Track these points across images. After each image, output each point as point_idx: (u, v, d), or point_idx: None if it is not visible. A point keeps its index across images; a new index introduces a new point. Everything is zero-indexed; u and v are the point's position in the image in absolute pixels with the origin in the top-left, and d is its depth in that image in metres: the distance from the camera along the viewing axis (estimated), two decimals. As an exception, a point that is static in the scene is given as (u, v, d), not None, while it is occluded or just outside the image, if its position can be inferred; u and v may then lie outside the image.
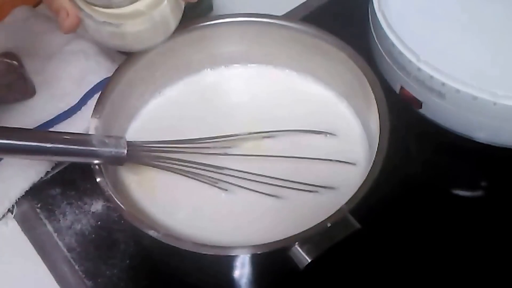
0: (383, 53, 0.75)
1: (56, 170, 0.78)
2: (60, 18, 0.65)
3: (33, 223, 0.75)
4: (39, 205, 0.76)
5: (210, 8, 0.92)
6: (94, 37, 0.70)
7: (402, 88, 0.74)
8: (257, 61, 0.79)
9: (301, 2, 0.92)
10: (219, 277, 0.67)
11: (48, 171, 0.78)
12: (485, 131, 0.71)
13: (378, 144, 0.64)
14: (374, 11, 0.75)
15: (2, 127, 0.61)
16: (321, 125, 0.73)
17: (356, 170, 0.69)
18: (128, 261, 0.72)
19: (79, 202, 0.77)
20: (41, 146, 0.62)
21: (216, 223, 0.68)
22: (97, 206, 0.76)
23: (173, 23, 0.71)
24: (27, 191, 0.76)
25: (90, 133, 0.66)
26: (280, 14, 0.80)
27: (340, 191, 0.68)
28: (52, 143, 0.62)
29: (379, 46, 0.76)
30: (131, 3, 0.68)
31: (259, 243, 0.59)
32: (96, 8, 0.67)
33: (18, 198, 0.76)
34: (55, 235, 0.74)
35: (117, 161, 0.66)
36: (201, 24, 0.75)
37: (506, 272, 0.70)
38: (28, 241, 0.74)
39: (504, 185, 0.77)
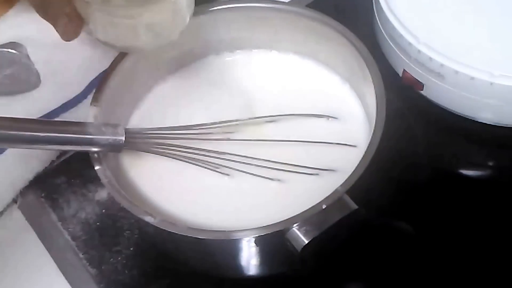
0: (386, 37, 0.76)
1: (61, 159, 0.79)
2: (60, 25, 0.64)
3: (38, 212, 0.76)
4: (43, 195, 0.77)
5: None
6: (101, 37, 0.68)
7: (404, 71, 0.75)
8: (261, 46, 0.79)
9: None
10: (221, 261, 0.67)
11: (53, 160, 0.78)
12: (485, 111, 0.72)
13: (375, 125, 0.64)
14: (377, -5, 0.75)
15: (0, 117, 0.61)
16: (323, 108, 0.73)
17: (357, 153, 0.68)
18: (132, 249, 0.72)
19: (83, 191, 0.77)
20: (37, 135, 0.62)
21: (218, 208, 0.68)
22: (102, 194, 0.76)
23: (187, 16, 0.70)
24: (31, 180, 0.77)
25: (88, 121, 0.66)
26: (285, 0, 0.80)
27: (341, 174, 0.67)
28: (48, 133, 0.62)
29: (382, 30, 0.77)
30: None
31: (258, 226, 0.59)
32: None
33: (23, 188, 0.77)
34: (59, 224, 0.75)
35: (115, 148, 0.66)
36: (205, 10, 0.76)
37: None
38: (32, 230, 0.75)
39: (508, 165, 0.76)
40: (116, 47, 0.70)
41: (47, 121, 0.75)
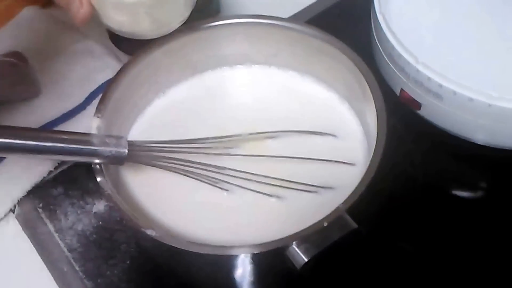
0: (384, 56, 0.76)
1: (59, 170, 0.78)
2: (73, 9, 0.65)
3: (35, 223, 0.76)
4: (41, 205, 0.77)
5: (217, 10, 0.93)
6: (106, 22, 0.69)
7: (402, 90, 0.75)
8: (261, 62, 0.80)
9: (307, 5, 0.92)
10: (219, 277, 0.67)
11: (51, 171, 0.78)
12: (482, 132, 0.72)
13: (376, 144, 0.64)
14: (376, 14, 0.76)
15: (2, 126, 0.61)
16: (323, 126, 0.74)
17: (355, 171, 0.69)
18: (129, 262, 0.72)
19: (81, 202, 0.77)
20: (41, 145, 0.62)
21: (217, 223, 0.68)
22: (99, 206, 0.76)
23: (189, 6, 0.72)
24: (29, 190, 0.77)
25: (91, 132, 0.67)
26: (285, 16, 0.81)
27: (339, 192, 0.68)
28: (52, 142, 0.62)
29: (380, 49, 0.77)
30: None
31: (258, 242, 0.59)
32: None
33: (20, 198, 0.77)
34: (56, 235, 0.75)
35: (117, 160, 0.66)
36: (206, 25, 0.76)
37: (504, 274, 0.70)
38: (29, 240, 0.75)
39: (502, 187, 0.77)
40: (120, 33, 0.71)
41: (52, 130, 0.76)
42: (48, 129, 0.77)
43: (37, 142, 0.62)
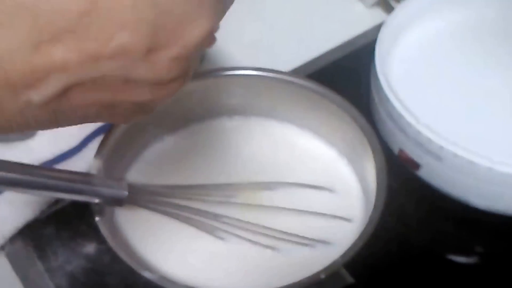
0: (384, 115, 0.76)
1: (52, 210, 0.78)
2: None
3: (25, 262, 0.75)
4: (32, 244, 0.76)
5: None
6: None
7: (400, 150, 0.75)
8: (260, 114, 0.80)
9: (308, 60, 0.93)
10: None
11: (43, 210, 0.78)
12: (482, 196, 0.72)
13: (375, 201, 0.64)
14: (376, 73, 0.76)
15: (7, 160, 0.61)
16: (320, 180, 0.74)
17: (352, 227, 0.69)
18: (118, 306, 0.72)
19: (72, 244, 0.76)
20: (44, 181, 0.61)
21: (211, 270, 0.68)
22: (90, 248, 0.76)
23: None
24: (21, 228, 0.76)
25: (91, 172, 0.67)
26: (286, 70, 0.81)
27: (335, 247, 0.68)
28: (53, 179, 0.62)
29: (380, 108, 0.77)
30: None
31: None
32: None
33: (12, 235, 0.76)
34: (46, 274, 0.74)
35: (117, 202, 0.66)
36: (208, 75, 0.77)
37: None
38: (18, 279, 0.74)
39: (500, 253, 0.77)
40: None
41: (52, 168, 0.76)
42: (48, 167, 0.77)
43: (38, 178, 0.61)
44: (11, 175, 0.60)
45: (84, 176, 0.65)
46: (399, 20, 0.81)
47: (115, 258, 0.63)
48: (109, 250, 0.63)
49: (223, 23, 0.50)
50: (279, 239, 0.69)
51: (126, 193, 0.66)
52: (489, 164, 0.67)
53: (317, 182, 0.74)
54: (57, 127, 0.50)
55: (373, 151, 0.69)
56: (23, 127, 0.47)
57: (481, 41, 0.82)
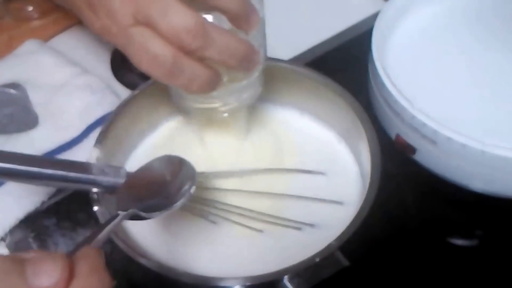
0: (381, 101, 0.77)
1: (52, 201, 0.78)
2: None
3: (26, 252, 0.75)
4: (32, 235, 0.77)
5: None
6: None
7: (397, 135, 0.76)
8: (263, 99, 0.80)
9: (307, 48, 0.94)
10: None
11: (44, 201, 0.78)
12: (476, 179, 0.72)
13: (369, 183, 0.65)
14: (373, 59, 0.76)
15: (5, 151, 0.62)
16: (318, 164, 0.75)
17: (348, 211, 0.69)
18: (118, 295, 0.72)
19: (72, 234, 0.77)
20: (40, 171, 0.62)
21: (208, 255, 0.69)
22: (90, 238, 0.76)
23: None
24: (21, 220, 0.77)
25: (91, 162, 0.67)
26: (286, 58, 0.82)
27: (332, 230, 0.67)
28: (52, 169, 0.63)
29: (377, 94, 0.77)
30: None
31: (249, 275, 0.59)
32: None
33: (12, 227, 0.76)
34: (46, 265, 0.74)
35: (115, 190, 0.67)
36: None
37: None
38: (19, 270, 0.74)
39: (496, 235, 0.77)
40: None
41: (52, 158, 0.76)
42: (48, 157, 0.78)
43: (37, 168, 0.62)
44: (8, 166, 0.60)
45: (81, 165, 0.66)
46: (395, 7, 0.82)
47: (115, 247, 0.63)
48: (110, 239, 0.63)
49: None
50: (270, 222, 0.70)
51: (123, 180, 0.66)
52: (482, 147, 0.68)
53: (315, 166, 0.75)
54: None
55: (368, 137, 0.69)
56: None
57: (473, 28, 0.83)
